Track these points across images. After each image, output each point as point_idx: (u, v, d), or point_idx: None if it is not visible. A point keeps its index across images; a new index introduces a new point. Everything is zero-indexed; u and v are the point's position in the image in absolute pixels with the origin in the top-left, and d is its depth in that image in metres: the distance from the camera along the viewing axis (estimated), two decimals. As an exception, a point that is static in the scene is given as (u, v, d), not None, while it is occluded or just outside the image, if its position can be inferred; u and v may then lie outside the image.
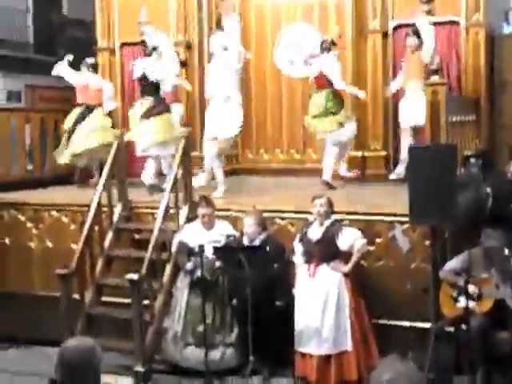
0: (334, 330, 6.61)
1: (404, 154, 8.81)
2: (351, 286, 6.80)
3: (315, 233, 6.90)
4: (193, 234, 7.35)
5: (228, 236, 7.28)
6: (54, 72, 10.39)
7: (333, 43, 9.15)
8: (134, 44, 10.46)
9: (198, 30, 10.70)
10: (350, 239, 6.81)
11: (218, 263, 7.06)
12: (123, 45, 11.15)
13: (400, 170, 9.13)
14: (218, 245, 7.05)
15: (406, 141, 8.97)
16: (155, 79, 9.03)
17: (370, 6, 9.95)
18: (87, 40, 12.70)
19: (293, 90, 10.84)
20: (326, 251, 6.79)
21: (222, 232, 7.33)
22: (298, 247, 7.01)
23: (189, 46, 10.71)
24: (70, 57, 10.43)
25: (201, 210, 7.37)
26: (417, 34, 9.05)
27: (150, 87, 9.10)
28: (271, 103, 11.19)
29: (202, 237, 7.16)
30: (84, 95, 10.28)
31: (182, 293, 7.30)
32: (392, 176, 9.35)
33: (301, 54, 9.28)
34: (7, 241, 8.92)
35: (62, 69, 10.34)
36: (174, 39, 10.37)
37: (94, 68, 10.52)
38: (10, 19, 13.43)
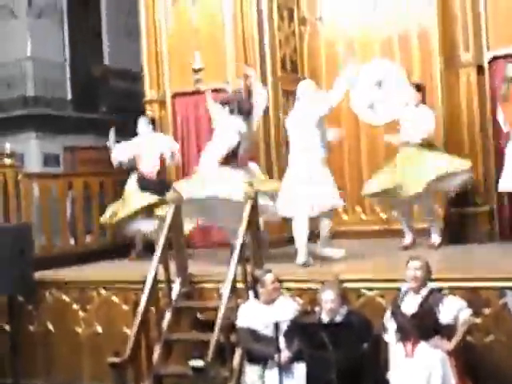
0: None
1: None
2: (457, 367, 6.67)
3: (410, 305, 6.81)
4: (252, 314, 7.28)
5: (304, 312, 7.24)
6: (115, 162, 10.51)
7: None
8: (188, 94, 10.73)
9: (260, 74, 10.81)
10: (453, 310, 6.70)
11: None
12: (175, 95, 11.39)
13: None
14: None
15: None
16: None
17: (461, 35, 9.86)
18: (132, 92, 13.02)
19: (374, 140, 10.88)
20: (424, 326, 6.68)
21: (287, 308, 7.21)
22: (391, 323, 6.95)
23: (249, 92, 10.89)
24: (112, 133, 10.67)
25: (267, 279, 7.29)
26: None
27: None
28: (348, 154, 11.27)
29: (264, 315, 7.08)
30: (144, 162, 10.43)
31: None
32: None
33: (383, 97, 9.36)
34: (50, 326, 9.11)
35: (120, 153, 10.49)
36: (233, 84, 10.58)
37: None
38: (45, 73, 13.75)
